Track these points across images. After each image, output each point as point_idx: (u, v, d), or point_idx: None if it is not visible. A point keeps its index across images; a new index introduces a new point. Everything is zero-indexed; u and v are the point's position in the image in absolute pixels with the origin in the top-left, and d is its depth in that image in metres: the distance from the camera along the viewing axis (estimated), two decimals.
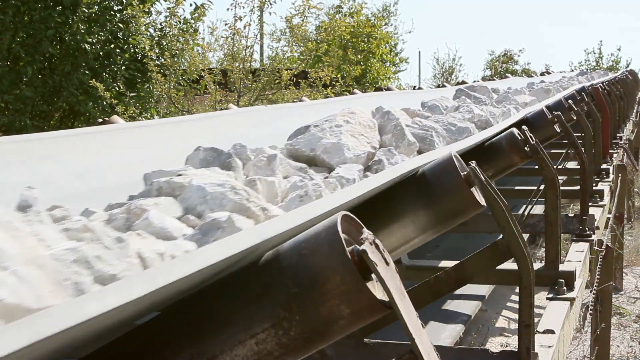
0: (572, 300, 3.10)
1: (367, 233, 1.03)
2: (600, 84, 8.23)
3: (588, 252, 4.00)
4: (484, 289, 4.98)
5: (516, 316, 4.00)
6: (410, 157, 2.23)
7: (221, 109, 6.60)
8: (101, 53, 10.77)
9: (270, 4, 12.10)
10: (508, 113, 3.88)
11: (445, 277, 2.31)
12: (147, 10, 11.33)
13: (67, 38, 10.30)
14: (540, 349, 2.40)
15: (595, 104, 6.69)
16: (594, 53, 31.65)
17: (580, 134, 5.02)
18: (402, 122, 2.37)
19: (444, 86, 10.08)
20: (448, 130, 2.80)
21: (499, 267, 2.37)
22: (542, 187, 3.35)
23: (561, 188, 3.33)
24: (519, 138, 2.94)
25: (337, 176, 1.76)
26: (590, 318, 4.86)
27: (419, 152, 2.36)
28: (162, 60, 11.24)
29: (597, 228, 4.46)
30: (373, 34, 18.86)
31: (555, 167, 3.30)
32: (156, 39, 11.51)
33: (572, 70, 20.97)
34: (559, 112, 4.12)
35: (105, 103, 10.26)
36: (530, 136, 3.00)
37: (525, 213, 3.56)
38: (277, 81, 11.69)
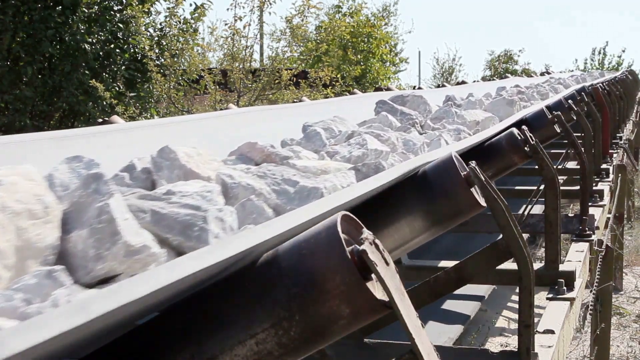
0: (572, 300, 3.10)
1: (367, 233, 1.03)
2: (600, 84, 8.23)
3: (588, 252, 4.00)
4: (484, 289, 4.98)
5: (516, 316, 4.00)
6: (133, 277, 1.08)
7: (221, 109, 6.61)
8: (101, 53, 10.76)
9: (270, 3, 12.10)
10: (437, 142, 2.67)
11: (445, 277, 2.31)
12: (146, 10, 11.33)
13: (67, 38, 10.30)
14: (540, 349, 2.40)
15: (595, 104, 6.69)
16: (600, 53, 31.63)
17: (580, 134, 5.02)
18: (116, 201, 1.14)
19: (444, 86, 10.08)
20: (281, 192, 1.54)
21: (499, 267, 2.37)
22: (542, 187, 3.36)
23: (561, 188, 3.33)
24: (519, 138, 2.94)
25: None
26: (590, 318, 4.86)
27: (179, 253, 1.19)
28: (162, 60, 11.25)
29: (597, 228, 4.46)
30: (373, 34, 18.86)
31: (555, 167, 3.30)
32: (156, 39, 11.51)
33: (572, 70, 20.94)
34: (559, 112, 4.12)
35: (105, 103, 10.26)
36: (530, 136, 3.00)
37: (525, 213, 3.56)
38: (277, 81, 11.70)
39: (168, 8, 11.63)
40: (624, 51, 32.11)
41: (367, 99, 6.13)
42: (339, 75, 13.28)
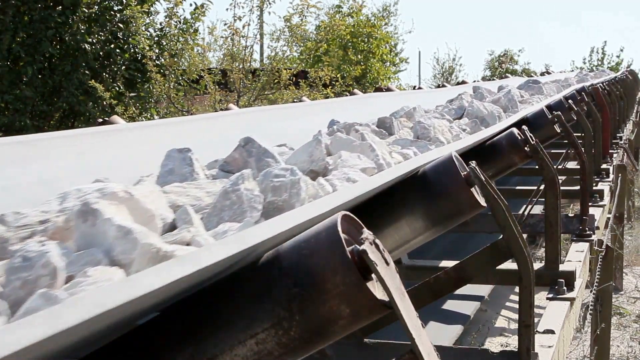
0: (572, 300, 3.10)
1: (367, 233, 1.02)
2: (600, 84, 8.22)
3: (588, 252, 4.00)
4: (484, 289, 4.98)
5: (516, 316, 4.00)
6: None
7: (221, 109, 6.61)
8: (101, 53, 10.77)
9: (270, 3, 12.10)
10: None
11: (445, 277, 2.31)
12: (146, 10, 11.32)
13: (67, 38, 10.30)
14: (540, 349, 2.40)
15: (595, 104, 6.68)
16: (597, 53, 31.65)
17: (580, 134, 5.02)
18: None
19: (444, 86, 10.09)
20: None
21: (499, 267, 2.37)
22: (542, 187, 3.35)
23: (561, 188, 3.32)
24: (519, 138, 2.94)
25: None
26: (590, 318, 4.86)
27: None
28: (162, 60, 11.24)
29: (597, 228, 4.46)
30: (373, 34, 18.85)
31: (555, 167, 3.30)
32: (156, 39, 11.51)
33: (572, 71, 20.92)
34: (559, 112, 4.12)
35: (105, 103, 10.26)
36: (530, 136, 3.00)
37: (525, 213, 3.56)
38: (276, 81, 11.69)
39: (168, 8, 11.62)
40: (622, 50, 32.15)
41: (367, 100, 6.12)
42: (339, 75, 13.27)
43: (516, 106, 4.38)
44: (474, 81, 12.48)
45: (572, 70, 20.98)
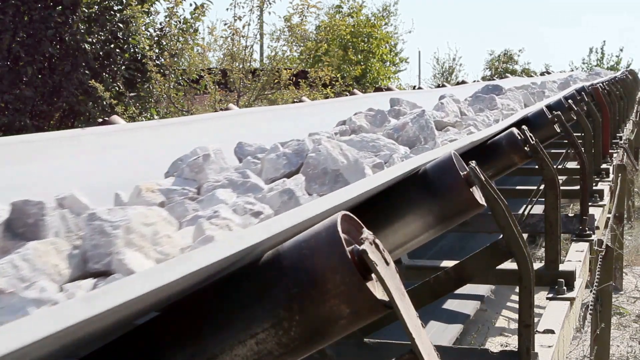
0: (572, 300, 3.10)
1: (367, 233, 1.02)
2: (600, 84, 8.22)
3: (588, 252, 4.00)
4: (484, 289, 4.99)
5: (516, 316, 4.00)
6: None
7: (221, 109, 6.61)
8: (101, 53, 10.76)
9: (270, 3, 12.10)
10: None
11: (445, 277, 2.31)
12: (146, 10, 11.32)
13: (67, 38, 10.30)
14: (540, 349, 2.40)
15: (595, 103, 6.68)
16: (597, 53, 31.76)
17: (580, 134, 5.02)
18: None
19: (444, 86, 10.09)
20: None
21: (499, 267, 2.37)
22: (542, 187, 3.35)
23: (561, 188, 3.32)
24: (519, 138, 2.94)
25: None
26: (590, 318, 4.86)
27: None
28: (162, 60, 11.24)
29: (597, 228, 4.46)
30: (373, 34, 18.87)
31: (555, 167, 3.30)
32: (156, 38, 11.51)
33: (572, 71, 20.90)
34: (559, 112, 4.12)
35: (105, 103, 10.26)
36: (530, 136, 3.00)
37: (525, 213, 3.56)
38: (276, 81, 11.69)
39: (168, 8, 11.62)
40: (621, 50, 32.30)
41: (367, 100, 6.12)
42: (338, 75, 13.28)
43: (433, 137, 2.54)
44: (474, 81, 12.48)
45: (572, 70, 20.98)
